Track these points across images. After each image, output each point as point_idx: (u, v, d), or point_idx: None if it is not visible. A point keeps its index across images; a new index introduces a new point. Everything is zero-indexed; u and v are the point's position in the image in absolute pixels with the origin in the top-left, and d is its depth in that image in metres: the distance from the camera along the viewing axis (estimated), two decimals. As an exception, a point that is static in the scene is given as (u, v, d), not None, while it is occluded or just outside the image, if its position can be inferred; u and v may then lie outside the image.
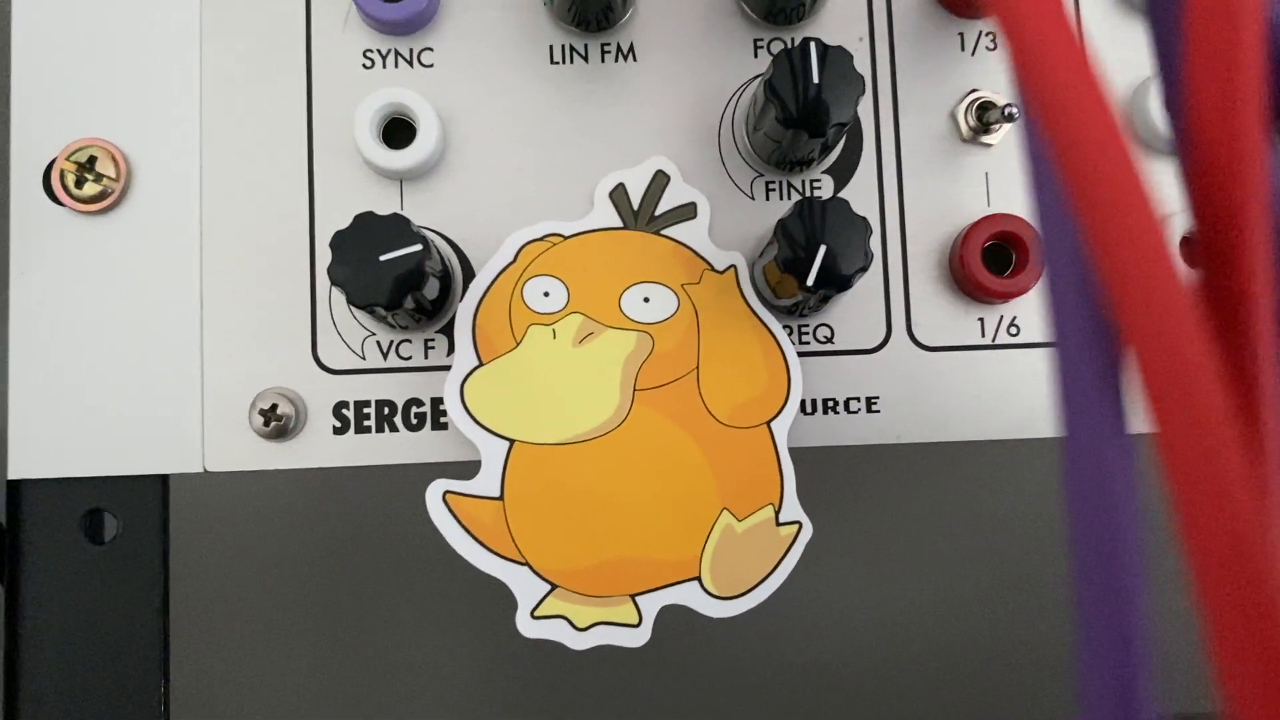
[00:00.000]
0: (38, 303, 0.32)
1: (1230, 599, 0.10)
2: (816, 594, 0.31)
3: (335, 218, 0.32)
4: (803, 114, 0.28)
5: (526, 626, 0.30)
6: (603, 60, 0.33)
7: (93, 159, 0.31)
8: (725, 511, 0.31)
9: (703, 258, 0.32)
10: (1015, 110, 0.31)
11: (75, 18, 0.33)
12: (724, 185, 0.33)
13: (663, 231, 0.32)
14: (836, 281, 0.28)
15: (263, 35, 0.33)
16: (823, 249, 0.28)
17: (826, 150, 0.32)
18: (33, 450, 0.32)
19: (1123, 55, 0.33)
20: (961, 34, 0.33)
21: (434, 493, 0.30)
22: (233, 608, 0.31)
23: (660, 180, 0.32)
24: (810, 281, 0.28)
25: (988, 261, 0.32)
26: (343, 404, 0.32)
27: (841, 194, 0.33)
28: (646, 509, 0.31)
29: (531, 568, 0.30)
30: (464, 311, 0.31)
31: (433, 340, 0.32)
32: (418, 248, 0.27)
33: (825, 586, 0.31)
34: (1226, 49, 0.13)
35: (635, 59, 0.33)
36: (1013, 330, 0.32)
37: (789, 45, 0.28)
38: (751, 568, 0.31)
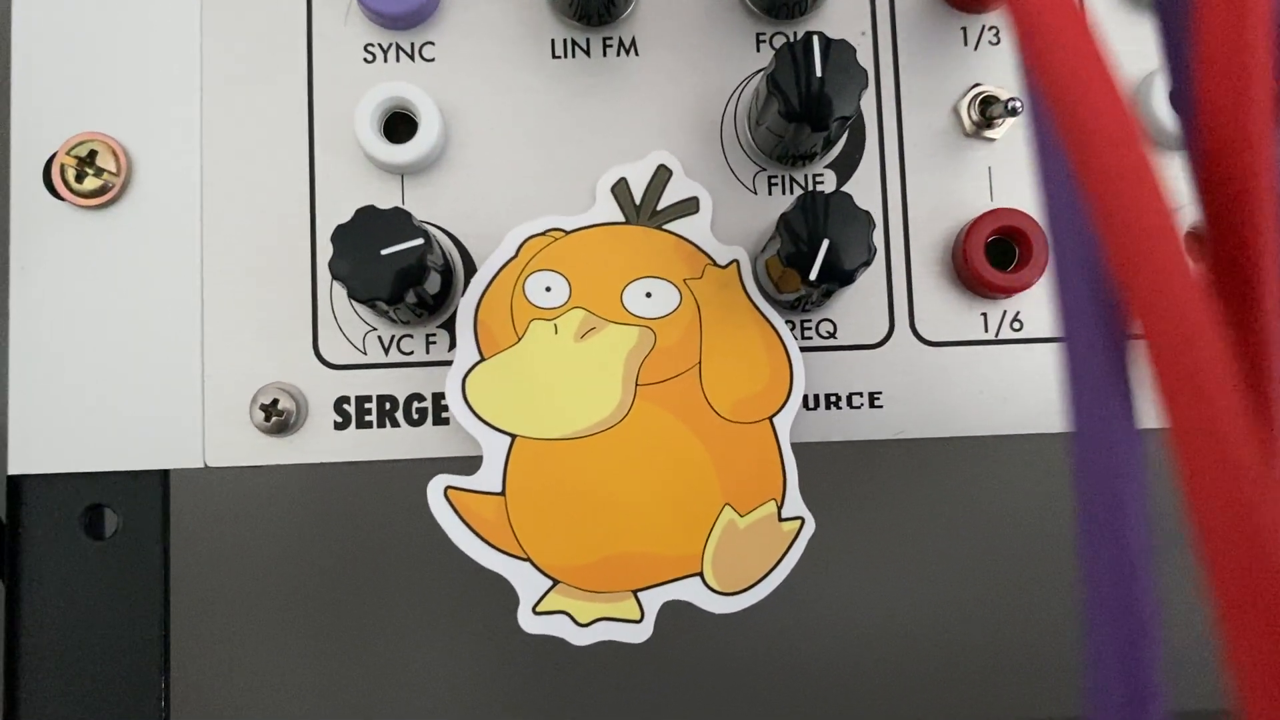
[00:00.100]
0: (38, 297, 0.32)
1: (1244, 594, 0.10)
2: (819, 589, 0.31)
3: (336, 212, 0.32)
4: (805, 108, 0.28)
5: (528, 622, 0.30)
6: (604, 54, 0.33)
7: (93, 153, 0.31)
8: (727, 507, 0.31)
9: (705, 252, 0.32)
10: (1019, 104, 0.31)
11: (75, 10, 0.33)
12: (726, 180, 0.32)
13: (665, 226, 0.32)
14: (839, 276, 0.28)
15: (264, 29, 0.33)
16: (825, 243, 0.27)
17: (829, 144, 0.31)
18: (33, 445, 0.31)
19: (1127, 49, 0.33)
20: (964, 28, 0.33)
21: (435, 488, 0.30)
22: (233, 603, 0.31)
23: (662, 175, 0.32)
24: (813, 276, 0.28)
25: (991, 256, 0.31)
26: (344, 399, 0.32)
27: (844, 188, 0.33)
28: (648, 504, 0.31)
29: (533, 563, 0.30)
30: (465, 306, 0.31)
31: (434, 335, 0.32)
32: (419, 242, 0.27)
33: (828, 582, 0.31)
34: (1236, 39, 0.13)
35: (637, 53, 0.33)
36: (1016, 325, 0.32)
37: (791, 39, 0.28)
38: (754, 563, 0.31)
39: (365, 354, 0.32)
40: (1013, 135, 0.33)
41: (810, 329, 0.32)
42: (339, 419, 0.32)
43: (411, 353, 0.32)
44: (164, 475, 0.32)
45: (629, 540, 0.31)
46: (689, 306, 0.31)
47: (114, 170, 0.31)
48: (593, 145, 0.32)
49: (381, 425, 0.32)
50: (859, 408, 0.32)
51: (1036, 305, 0.32)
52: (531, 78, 0.33)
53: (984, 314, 0.32)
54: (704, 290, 0.32)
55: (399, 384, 0.32)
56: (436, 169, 0.32)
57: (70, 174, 0.31)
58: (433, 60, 0.33)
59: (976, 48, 0.33)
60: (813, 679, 0.31)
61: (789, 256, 0.28)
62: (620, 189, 0.32)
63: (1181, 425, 0.11)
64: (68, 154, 0.31)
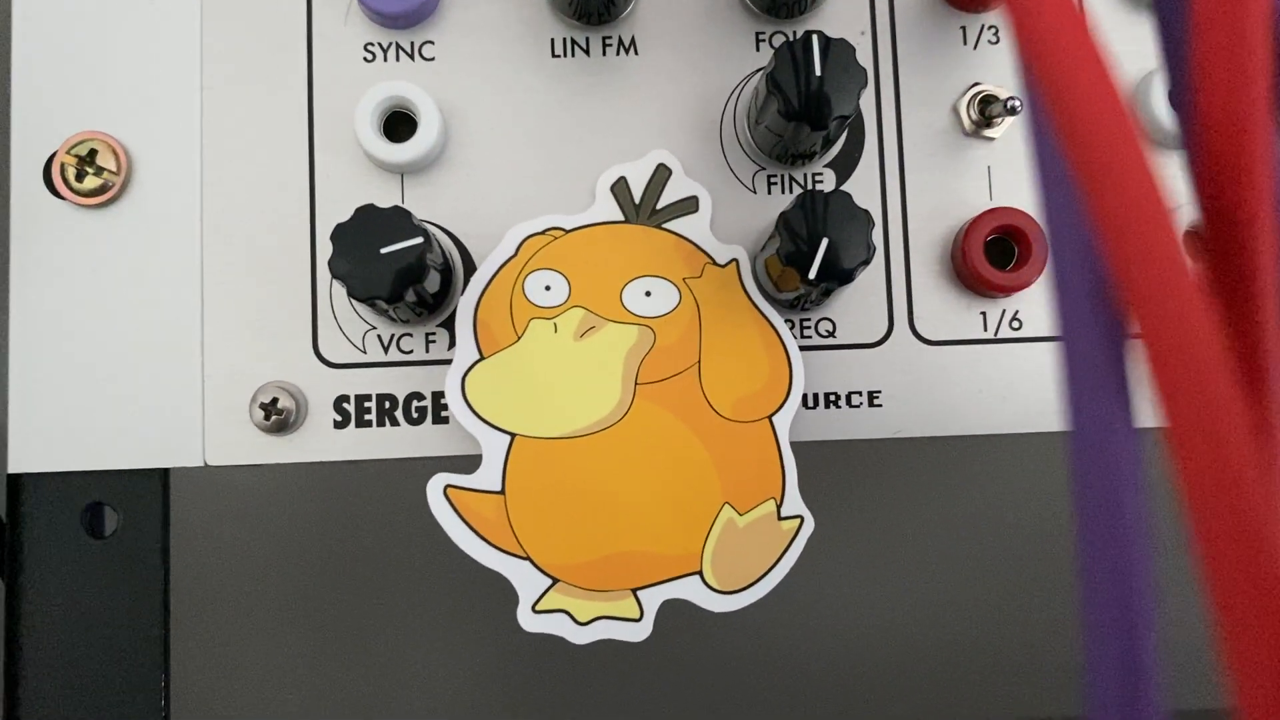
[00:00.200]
0: (38, 296, 0.32)
1: (1241, 594, 0.10)
2: (818, 588, 0.31)
3: (336, 211, 0.32)
4: (805, 107, 0.28)
5: (528, 621, 0.30)
6: (604, 53, 0.33)
7: (93, 152, 0.31)
8: (727, 506, 0.31)
9: (704, 251, 0.32)
10: (1018, 103, 0.31)
11: (76, 9, 0.33)
12: (726, 179, 0.33)
13: (664, 225, 0.32)
14: (838, 275, 0.28)
15: (264, 28, 0.33)
16: (825, 242, 0.28)
17: (828, 144, 0.31)
18: (33, 444, 0.31)
19: (1126, 49, 0.33)
20: (964, 28, 0.33)
21: (435, 487, 0.30)
22: (233, 602, 0.31)
23: (662, 174, 0.32)
24: (812, 275, 0.28)
25: (990, 255, 0.32)
26: (343, 398, 0.32)
27: (843, 187, 0.33)
28: (648, 503, 0.31)
29: (533, 562, 0.30)
30: (465, 305, 0.31)
31: (434, 334, 0.32)
32: (419, 240, 0.27)
33: (827, 581, 0.31)
34: (1235, 38, 0.13)
35: (637, 52, 0.33)
36: (1015, 324, 0.32)
37: (791, 38, 0.28)
38: (753, 562, 0.31)
39: (365, 353, 0.32)
40: (1012, 134, 0.33)
41: (809, 328, 0.32)
42: (339, 418, 0.32)
43: (411, 351, 0.32)
44: (164, 474, 0.32)
45: (628, 539, 0.31)
46: (688, 305, 0.31)
47: (114, 169, 0.31)
48: (592, 144, 0.33)
49: (381, 424, 0.32)
50: (858, 407, 0.32)
51: (1035, 304, 0.32)
52: (531, 77, 0.33)
53: (983, 313, 0.32)
54: (703, 289, 0.32)
55: (399, 383, 0.32)
56: (436, 168, 0.32)
57: (70, 173, 0.31)
58: (432, 59, 0.33)
59: (976, 47, 0.33)
60: (812, 678, 0.31)
61: (788, 255, 0.28)
62: (620, 188, 0.32)
63: (1179, 424, 0.11)
64: (68, 153, 0.31)
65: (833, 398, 0.32)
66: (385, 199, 0.32)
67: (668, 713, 0.31)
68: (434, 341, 0.32)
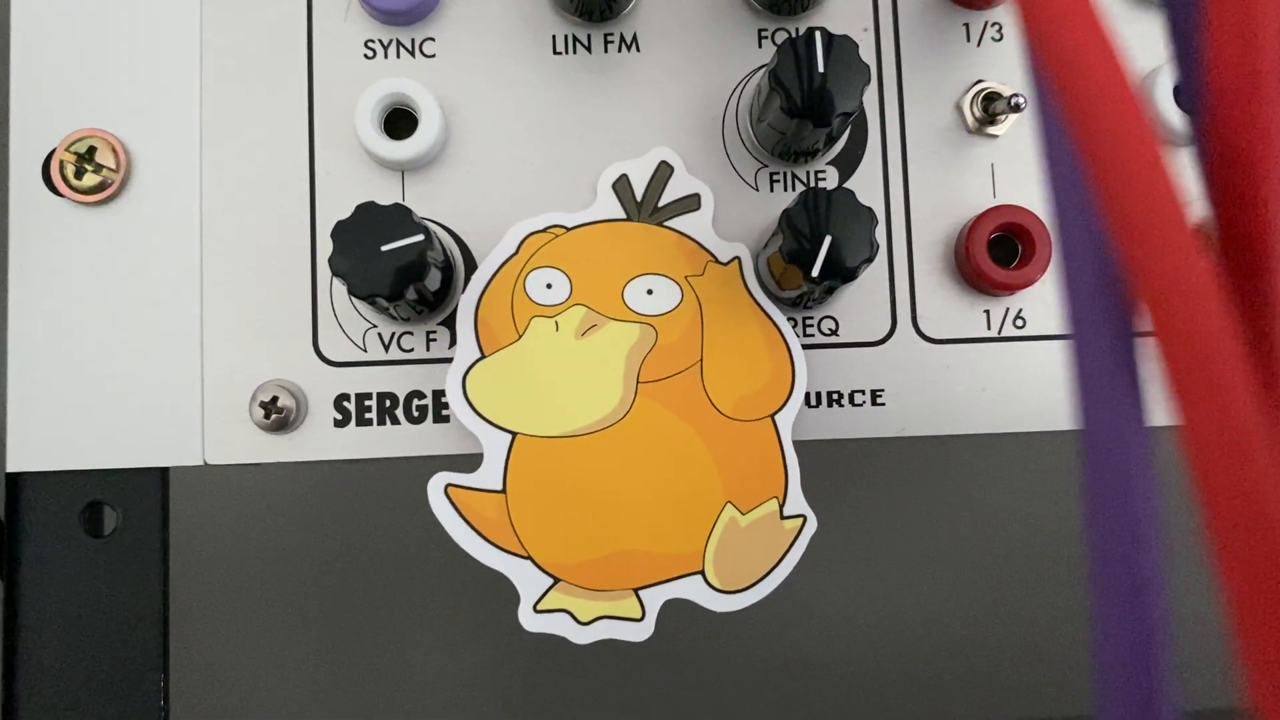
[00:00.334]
0: (37, 294, 0.32)
1: (1258, 593, 0.10)
2: (821, 588, 0.31)
3: (336, 208, 0.32)
4: (807, 104, 0.28)
5: (529, 621, 0.30)
6: (606, 50, 0.33)
7: (92, 149, 0.31)
8: (729, 505, 0.31)
9: (706, 249, 0.32)
10: (1021, 100, 0.31)
11: (75, 5, 0.32)
12: (728, 176, 0.32)
13: (666, 223, 0.32)
14: (841, 273, 0.28)
15: (264, 24, 0.32)
16: (827, 240, 0.27)
17: (831, 141, 0.31)
18: (32, 443, 0.31)
19: (1130, 46, 0.33)
20: (967, 24, 0.33)
21: (436, 486, 0.30)
22: (233, 601, 0.31)
23: (664, 171, 0.32)
24: (815, 273, 0.27)
25: (994, 253, 0.31)
26: (344, 396, 0.31)
27: (846, 185, 0.32)
28: (650, 502, 0.31)
29: (534, 561, 0.30)
30: (466, 303, 0.31)
31: (434, 332, 0.32)
32: (419, 238, 0.27)
33: (830, 580, 0.30)
34: (1247, 33, 0.13)
35: (638, 49, 0.33)
36: (1019, 322, 0.32)
37: (794, 35, 0.28)
38: (755, 562, 0.30)
39: (365, 351, 0.32)
40: (1015, 131, 0.33)
41: (812, 326, 0.32)
42: (339, 416, 0.31)
43: (412, 350, 0.32)
44: (163, 473, 0.32)
45: (630, 538, 0.30)
46: (690, 304, 0.31)
47: (113, 167, 0.31)
48: (594, 142, 0.32)
49: (382, 423, 0.31)
50: (861, 405, 0.32)
51: (1039, 302, 0.32)
52: (532, 74, 0.33)
53: (986, 311, 0.32)
54: (705, 287, 0.31)
55: (399, 381, 0.32)
56: (437, 165, 0.32)
57: (69, 170, 0.31)
58: (433, 56, 0.32)
59: (979, 44, 0.33)
60: (814, 678, 0.31)
61: (791, 253, 0.28)
62: (621, 185, 0.32)
63: (1194, 421, 0.10)
64: (67, 150, 0.31)
65: (835, 396, 0.32)
66: (386, 196, 0.31)
67: (669, 713, 0.31)
68: (435, 340, 0.32)
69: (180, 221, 0.32)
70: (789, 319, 0.31)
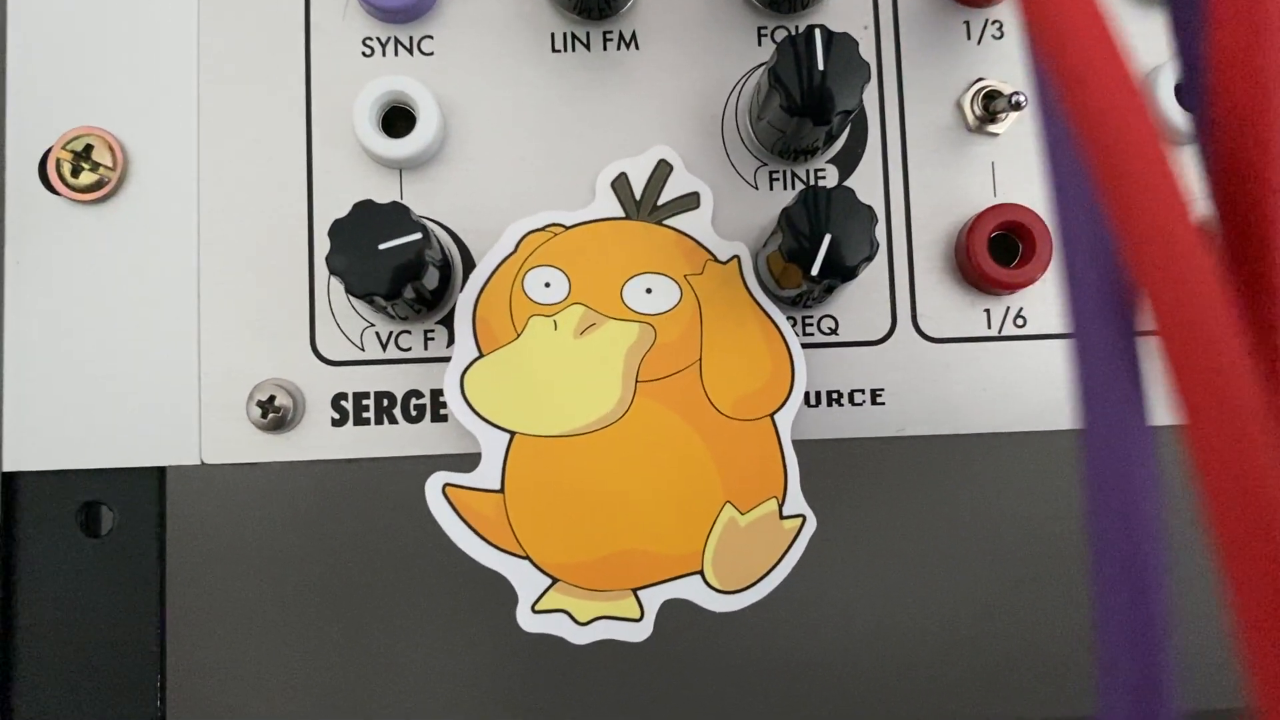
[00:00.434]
0: (33, 293, 0.31)
1: (1262, 592, 0.10)
2: (820, 588, 0.31)
3: (334, 207, 0.31)
4: (807, 101, 0.28)
5: (527, 621, 0.30)
6: (604, 48, 0.33)
7: (89, 148, 0.31)
8: (728, 505, 0.30)
9: (705, 248, 0.32)
10: (1022, 99, 0.31)
11: (72, 4, 0.32)
12: (727, 175, 0.32)
13: (665, 221, 0.32)
14: (841, 271, 0.27)
15: (261, 22, 0.32)
16: (827, 238, 0.27)
17: (831, 139, 0.31)
18: (28, 442, 0.31)
19: (1132, 44, 0.33)
20: (967, 22, 0.33)
21: (434, 485, 0.30)
22: (230, 600, 0.31)
23: (663, 170, 0.32)
24: (814, 271, 0.27)
25: (994, 252, 0.31)
26: (341, 395, 0.31)
27: (846, 183, 0.32)
28: (648, 502, 0.30)
29: (532, 561, 0.30)
30: (464, 302, 0.31)
31: (432, 331, 0.32)
32: (417, 236, 0.27)
33: (829, 580, 0.30)
34: (1251, 30, 0.13)
35: (637, 47, 0.33)
36: (1019, 321, 0.32)
37: (793, 33, 0.28)
38: (755, 562, 0.30)
39: (363, 350, 0.32)
40: (1016, 130, 0.32)
41: (812, 325, 0.32)
42: (336, 416, 0.31)
43: (409, 349, 0.32)
44: (160, 472, 0.32)
45: (629, 538, 0.30)
46: (689, 302, 0.31)
47: (110, 165, 0.31)
48: (593, 140, 0.32)
49: (379, 422, 0.31)
50: (861, 405, 0.32)
51: (1040, 301, 0.32)
52: (531, 72, 0.32)
53: (987, 310, 0.32)
54: (705, 286, 0.31)
55: (397, 380, 0.31)
56: (435, 163, 0.32)
57: (66, 169, 0.31)
58: (431, 54, 0.32)
59: (979, 42, 0.33)
60: (813, 678, 0.31)
61: (790, 252, 0.28)
62: (620, 184, 0.32)
63: (1197, 418, 0.10)
64: (64, 148, 0.31)
65: (835, 396, 0.32)
66: (384, 195, 0.31)
67: (668, 714, 0.31)
68: (433, 339, 0.32)
69: (177, 220, 0.32)
70: (788, 318, 0.31)
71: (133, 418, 0.31)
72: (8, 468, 0.31)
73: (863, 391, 0.32)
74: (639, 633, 0.30)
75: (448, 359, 0.31)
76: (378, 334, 0.32)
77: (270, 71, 0.32)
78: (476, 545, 0.30)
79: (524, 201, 0.32)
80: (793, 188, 0.32)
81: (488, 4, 0.33)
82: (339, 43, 0.32)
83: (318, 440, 0.31)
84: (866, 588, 0.32)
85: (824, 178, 0.32)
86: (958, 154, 0.32)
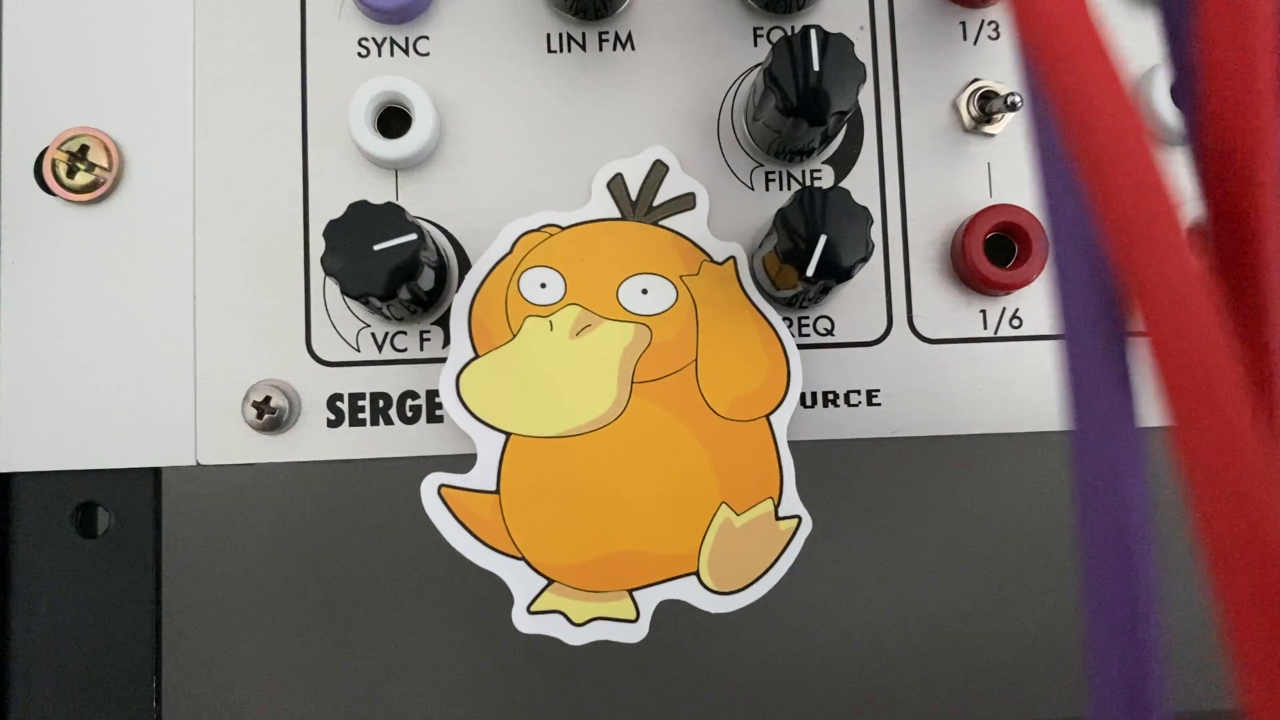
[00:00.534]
0: (28, 294, 0.31)
1: (1249, 593, 0.10)
2: (816, 589, 0.31)
3: (330, 208, 0.31)
4: (803, 102, 0.28)
5: (523, 622, 0.30)
6: (600, 49, 0.33)
7: (85, 148, 0.31)
8: (724, 505, 0.30)
9: (701, 249, 0.32)
10: (1018, 99, 0.31)
11: (68, 4, 0.32)
12: (723, 175, 0.32)
13: (661, 222, 0.32)
14: (836, 272, 0.27)
15: (257, 23, 0.32)
16: (823, 239, 0.27)
17: (827, 140, 0.31)
18: (23, 443, 0.31)
19: (1127, 45, 0.33)
20: (963, 23, 0.33)
21: (429, 486, 0.30)
22: (226, 601, 0.31)
23: (659, 170, 0.32)
24: (810, 272, 0.27)
25: (990, 253, 0.31)
26: (337, 396, 0.31)
27: (842, 184, 0.32)
28: (644, 503, 0.30)
29: (528, 562, 0.30)
30: (460, 303, 0.31)
31: (428, 332, 0.32)
32: (412, 237, 0.27)
33: (825, 581, 0.30)
34: (1240, 33, 0.13)
35: (633, 47, 0.33)
36: (1015, 322, 0.32)
37: (789, 33, 0.28)
38: (750, 562, 0.30)
39: (359, 351, 0.31)
40: (1012, 131, 0.32)
41: (808, 326, 0.32)
42: (332, 416, 0.31)
43: (405, 349, 0.32)
44: (156, 473, 0.32)
45: (625, 539, 0.30)
46: (685, 303, 0.31)
47: (106, 165, 0.31)
48: (589, 140, 0.32)
49: (375, 423, 0.31)
50: (856, 406, 0.32)
51: (1036, 302, 0.32)
52: (527, 72, 0.32)
53: (983, 311, 0.32)
54: (700, 287, 0.31)
55: (393, 381, 0.31)
56: (431, 164, 0.32)
57: (62, 169, 0.31)
58: (427, 55, 0.32)
59: (975, 42, 0.33)
60: (809, 679, 0.31)
61: (786, 253, 0.28)
62: (616, 185, 0.32)
63: (1185, 421, 0.10)
64: (59, 149, 0.31)
65: (831, 397, 0.32)
66: (379, 195, 0.31)
67: (664, 715, 0.31)
68: (428, 339, 0.32)
69: (173, 220, 0.32)
70: (784, 319, 0.31)
71: (128, 418, 0.31)
72: (3, 468, 0.31)
73: (858, 392, 0.32)
74: (634, 634, 0.30)
75: (443, 360, 0.31)
76: (373, 335, 0.32)
77: (266, 72, 0.32)
78: (472, 546, 0.30)
79: (520, 202, 0.32)
80: (788, 188, 0.32)
81: (483, 5, 0.33)
82: (335, 43, 0.32)
83: (313, 441, 0.31)
84: (862, 589, 0.32)
85: (820, 178, 0.32)
86: (954, 155, 0.32)
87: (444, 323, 0.32)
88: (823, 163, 0.32)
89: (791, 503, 0.30)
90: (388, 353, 0.32)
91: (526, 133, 0.32)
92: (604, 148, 0.32)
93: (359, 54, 0.32)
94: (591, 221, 0.32)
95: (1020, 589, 0.32)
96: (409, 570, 0.31)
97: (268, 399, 0.30)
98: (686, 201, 0.32)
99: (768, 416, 0.31)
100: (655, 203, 0.32)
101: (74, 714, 0.31)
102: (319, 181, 0.32)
